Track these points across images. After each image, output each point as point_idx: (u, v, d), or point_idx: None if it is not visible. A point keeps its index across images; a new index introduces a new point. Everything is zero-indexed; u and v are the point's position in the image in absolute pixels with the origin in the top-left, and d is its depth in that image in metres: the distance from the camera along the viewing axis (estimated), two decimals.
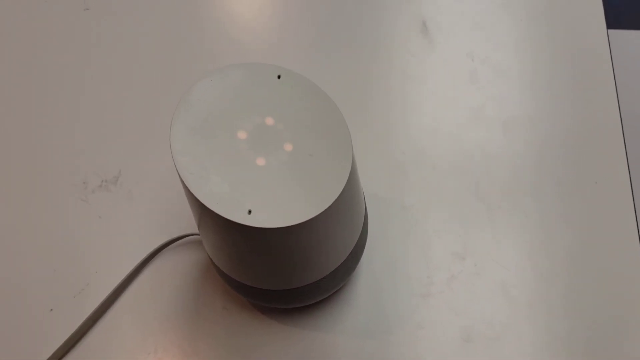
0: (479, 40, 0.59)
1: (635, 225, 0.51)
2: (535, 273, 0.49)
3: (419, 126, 0.55)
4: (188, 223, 0.51)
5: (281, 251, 0.37)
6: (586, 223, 0.51)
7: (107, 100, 0.57)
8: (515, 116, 0.56)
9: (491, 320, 0.48)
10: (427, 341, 0.47)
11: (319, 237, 0.37)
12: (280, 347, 0.47)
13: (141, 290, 0.49)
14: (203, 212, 0.35)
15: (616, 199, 0.52)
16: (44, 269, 0.50)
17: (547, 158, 0.54)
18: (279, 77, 0.38)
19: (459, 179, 0.53)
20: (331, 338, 0.47)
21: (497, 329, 0.47)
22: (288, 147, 0.36)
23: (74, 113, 0.57)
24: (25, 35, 0.61)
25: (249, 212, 0.34)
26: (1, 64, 0.59)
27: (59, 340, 0.47)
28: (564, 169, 0.53)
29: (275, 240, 0.36)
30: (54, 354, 0.47)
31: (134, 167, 0.54)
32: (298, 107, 0.37)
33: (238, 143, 0.36)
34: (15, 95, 0.58)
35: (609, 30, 0.59)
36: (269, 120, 0.37)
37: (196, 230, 0.50)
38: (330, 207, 0.35)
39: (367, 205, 0.46)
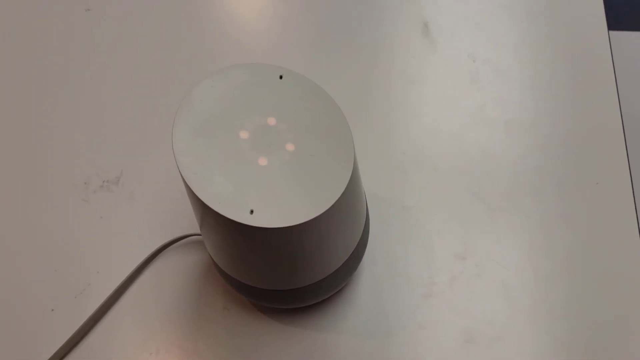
0: (480, 41, 0.59)
1: (636, 225, 0.51)
2: (536, 273, 0.49)
3: (420, 127, 0.55)
4: (189, 223, 0.51)
5: (283, 251, 0.37)
6: (587, 224, 0.51)
7: (108, 101, 0.57)
8: (516, 117, 0.56)
9: (492, 320, 0.48)
10: (428, 341, 0.47)
11: (320, 237, 0.37)
12: (282, 347, 0.47)
13: (142, 291, 0.49)
14: (205, 212, 0.35)
15: (617, 199, 0.52)
16: (45, 269, 0.50)
17: (548, 159, 0.54)
18: (280, 77, 0.38)
19: (460, 179, 0.53)
20: (332, 338, 0.47)
21: (499, 329, 0.47)
22: (290, 147, 0.36)
23: (76, 113, 0.57)
24: (27, 35, 0.61)
25: (251, 212, 0.34)
26: (2, 64, 0.59)
27: (60, 341, 0.47)
28: (564, 170, 0.53)
29: (277, 240, 0.36)
30: (55, 354, 0.47)
31: (135, 168, 0.54)
32: (300, 108, 0.37)
33: (240, 143, 0.36)
34: (17, 96, 0.58)
35: (610, 32, 0.59)
36: (271, 121, 0.37)
37: (197, 231, 0.50)
38: (332, 207, 0.35)
39: (368, 206, 0.46)
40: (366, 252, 0.46)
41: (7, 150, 0.55)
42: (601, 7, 0.60)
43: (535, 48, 0.59)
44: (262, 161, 0.36)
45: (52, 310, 0.49)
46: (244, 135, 0.36)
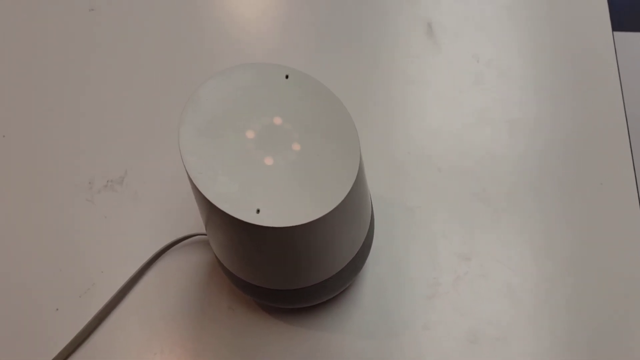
0: (484, 42, 0.59)
1: None
2: (540, 274, 0.49)
3: (425, 127, 0.55)
4: (194, 223, 0.51)
5: (289, 250, 0.37)
6: (591, 224, 0.51)
7: (112, 100, 0.57)
8: (520, 118, 0.56)
9: (497, 321, 0.48)
10: (432, 342, 0.47)
11: (326, 236, 0.37)
12: (286, 347, 0.47)
13: (147, 290, 0.49)
14: (211, 212, 0.35)
15: (621, 200, 0.52)
16: (49, 269, 0.50)
17: (552, 160, 0.54)
18: (286, 77, 0.38)
19: (465, 180, 0.53)
20: (337, 338, 0.47)
21: (503, 330, 0.47)
22: (296, 146, 0.36)
23: (79, 113, 0.57)
24: (31, 35, 0.61)
25: (258, 211, 0.34)
26: (6, 65, 0.60)
27: (65, 340, 0.47)
28: (569, 171, 0.53)
29: (284, 240, 0.36)
30: (59, 354, 0.47)
31: (139, 167, 0.54)
32: (306, 107, 0.37)
33: (246, 143, 0.36)
34: (21, 96, 0.58)
35: (614, 33, 0.59)
36: (277, 120, 0.37)
37: (202, 230, 0.50)
38: (338, 206, 0.35)
39: (373, 206, 0.46)
40: (371, 252, 0.46)
41: (12, 150, 0.55)
42: (605, 8, 0.60)
43: (540, 49, 0.59)
44: (268, 161, 0.36)
45: (57, 309, 0.49)
46: (250, 134, 0.36)
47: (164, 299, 0.49)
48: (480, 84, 0.57)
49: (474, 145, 0.54)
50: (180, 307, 0.49)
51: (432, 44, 0.59)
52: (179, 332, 0.48)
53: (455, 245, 0.50)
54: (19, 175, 0.54)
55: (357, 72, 0.58)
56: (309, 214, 0.34)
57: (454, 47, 0.59)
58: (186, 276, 0.50)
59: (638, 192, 0.52)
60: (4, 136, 0.56)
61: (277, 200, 0.35)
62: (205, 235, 0.50)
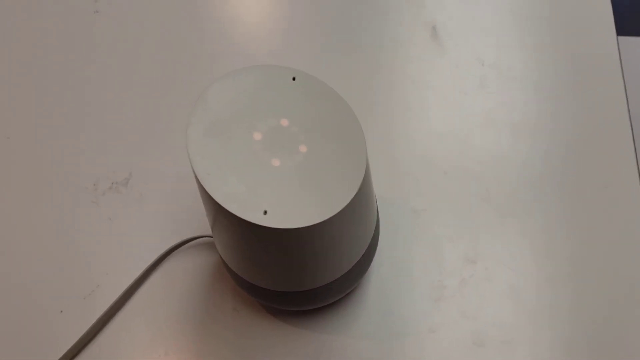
0: (488, 45, 0.59)
1: None
2: (546, 277, 0.49)
3: (430, 130, 0.55)
4: (198, 225, 0.51)
5: (295, 252, 0.37)
6: (596, 227, 0.51)
7: (116, 102, 0.57)
8: (525, 121, 0.56)
9: (502, 324, 0.48)
10: (438, 345, 0.47)
11: (333, 238, 0.37)
12: (291, 350, 0.47)
13: (151, 292, 0.49)
14: (219, 213, 0.35)
15: (626, 203, 0.52)
16: (54, 271, 0.50)
17: (557, 163, 0.54)
18: (293, 79, 0.38)
19: (470, 183, 0.53)
20: (342, 341, 0.47)
21: (509, 332, 0.47)
22: (303, 148, 0.36)
23: (84, 115, 0.57)
24: (35, 37, 0.61)
25: (265, 212, 0.34)
26: (11, 67, 0.60)
27: (69, 342, 0.47)
28: (574, 174, 0.53)
29: (291, 241, 0.36)
30: (63, 356, 0.47)
31: (144, 169, 0.54)
32: (313, 109, 0.37)
33: (253, 144, 0.36)
34: (25, 98, 0.58)
35: (619, 37, 0.59)
36: (284, 122, 0.37)
37: (207, 232, 0.50)
38: (345, 208, 0.35)
39: (378, 209, 0.46)
40: (376, 255, 0.46)
41: (16, 152, 0.55)
42: (609, 12, 0.60)
43: (544, 52, 0.59)
44: (276, 162, 0.36)
45: (61, 311, 0.49)
46: (257, 136, 0.36)
47: (168, 301, 0.49)
48: (485, 87, 0.57)
49: (479, 147, 0.54)
50: (185, 309, 0.48)
51: (437, 47, 0.59)
52: (183, 334, 0.48)
53: (460, 248, 0.50)
54: (23, 177, 0.54)
55: (361, 75, 0.58)
56: (317, 216, 0.34)
57: (458, 50, 0.59)
58: (191, 278, 0.49)
59: None
60: (8, 138, 0.56)
61: (284, 202, 0.35)
62: (210, 237, 0.50)
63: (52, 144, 0.56)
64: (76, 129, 0.56)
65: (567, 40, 0.60)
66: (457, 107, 0.56)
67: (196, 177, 0.35)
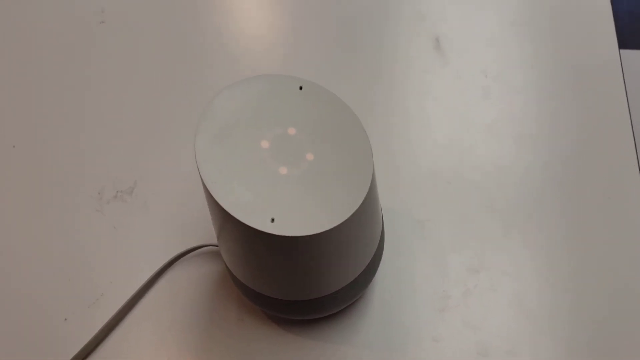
0: (491, 57, 0.60)
1: None
2: (550, 287, 0.49)
3: (434, 141, 0.56)
4: (203, 233, 0.51)
5: (302, 260, 0.38)
6: (600, 238, 0.51)
7: (122, 111, 0.58)
8: (528, 132, 0.56)
9: (507, 334, 0.48)
10: (442, 355, 0.47)
11: (340, 246, 0.38)
12: (294, 359, 0.47)
13: (155, 301, 0.49)
14: (225, 220, 0.35)
15: (629, 214, 0.52)
16: (58, 279, 0.50)
17: (560, 173, 0.54)
18: (300, 88, 0.38)
19: (474, 193, 0.53)
20: (346, 350, 0.47)
21: (513, 343, 0.47)
22: (310, 156, 0.36)
23: (89, 123, 0.57)
24: (41, 46, 0.62)
25: (272, 220, 0.34)
26: (17, 75, 0.60)
27: (73, 350, 0.47)
28: (577, 185, 0.53)
29: (298, 249, 0.36)
30: None
31: (149, 178, 0.54)
32: (319, 118, 0.38)
33: (261, 152, 0.36)
34: (30, 106, 0.58)
35: (621, 50, 0.60)
36: (291, 130, 0.37)
37: (211, 241, 0.50)
38: (351, 216, 0.35)
39: (383, 219, 0.46)
40: (380, 264, 0.46)
41: (21, 160, 0.56)
42: (611, 24, 0.61)
43: (547, 64, 0.59)
44: (283, 170, 0.36)
45: (66, 319, 0.49)
46: (264, 144, 0.36)
47: (172, 310, 0.49)
48: (488, 98, 0.58)
49: (483, 158, 0.55)
50: (189, 317, 0.48)
51: (440, 59, 0.60)
52: (187, 342, 0.48)
53: (464, 258, 0.50)
54: (28, 185, 0.54)
55: (365, 86, 0.59)
56: (324, 224, 0.35)
57: (461, 62, 0.60)
58: (195, 287, 0.49)
59: None
60: (14, 146, 0.56)
61: (291, 210, 0.35)
62: (215, 246, 0.50)
63: (58, 152, 0.56)
64: (81, 138, 0.56)
65: (570, 52, 0.60)
66: (461, 118, 0.57)
67: (204, 184, 0.35)
